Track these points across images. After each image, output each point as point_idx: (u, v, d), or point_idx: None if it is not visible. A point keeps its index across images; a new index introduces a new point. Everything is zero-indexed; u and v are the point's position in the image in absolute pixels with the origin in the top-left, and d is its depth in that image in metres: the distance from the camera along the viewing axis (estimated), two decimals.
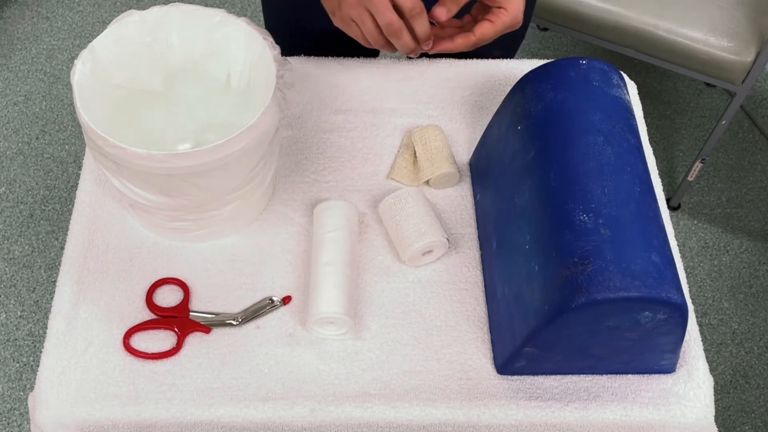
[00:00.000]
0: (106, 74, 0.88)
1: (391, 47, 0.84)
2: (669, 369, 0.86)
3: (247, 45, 0.90)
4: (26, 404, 1.63)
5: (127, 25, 0.88)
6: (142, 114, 0.95)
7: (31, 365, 1.68)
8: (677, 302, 0.74)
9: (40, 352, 1.03)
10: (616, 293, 0.72)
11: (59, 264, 0.95)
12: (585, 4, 1.66)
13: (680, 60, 1.67)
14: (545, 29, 2.28)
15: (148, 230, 0.94)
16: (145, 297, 0.89)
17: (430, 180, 0.98)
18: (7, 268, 1.80)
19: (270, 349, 0.86)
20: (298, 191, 0.98)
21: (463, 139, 1.04)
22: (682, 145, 2.11)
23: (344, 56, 1.10)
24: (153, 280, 0.90)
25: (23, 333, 1.72)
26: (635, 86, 1.09)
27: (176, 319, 0.87)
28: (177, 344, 0.86)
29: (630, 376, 0.86)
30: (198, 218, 0.89)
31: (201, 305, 0.89)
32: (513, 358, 0.83)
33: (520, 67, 1.10)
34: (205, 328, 0.87)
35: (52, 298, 0.98)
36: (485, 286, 0.91)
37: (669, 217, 0.96)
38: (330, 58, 1.10)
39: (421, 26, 0.81)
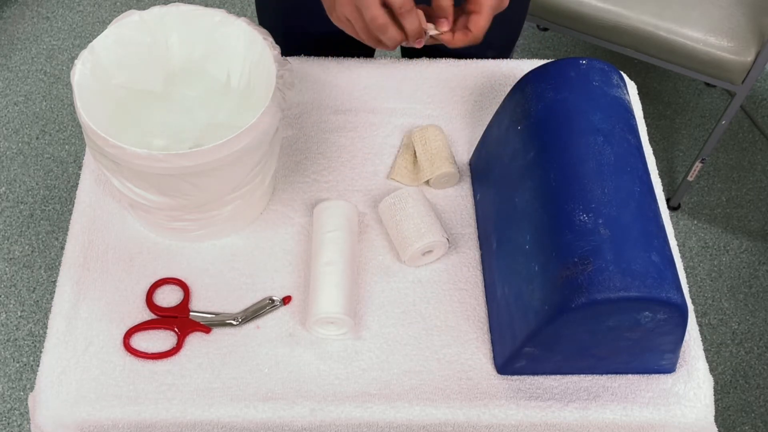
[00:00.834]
0: (106, 74, 0.88)
1: (385, 44, 0.84)
2: (669, 369, 0.86)
3: (247, 45, 0.90)
4: (26, 404, 1.63)
5: (127, 25, 0.88)
6: (142, 114, 0.95)
7: (31, 365, 1.68)
8: (677, 302, 0.74)
9: (40, 352, 1.03)
10: (616, 293, 0.72)
11: (59, 264, 0.95)
12: (585, 4, 1.66)
13: (680, 60, 1.67)
14: (545, 29, 2.28)
15: (148, 230, 0.94)
16: (145, 297, 0.89)
17: (430, 180, 0.98)
18: (7, 268, 1.80)
19: (270, 349, 0.86)
20: (298, 191, 0.98)
21: (463, 139, 1.04)
22: (682, 145, 2.11)
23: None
24: (153, 280, 0.90)
25: (23, 333, 1.72)
26: (635, 86, 1.09)
27: (176, 319, 0.87)
28: (177, 344, 0.86)
29: (630, 376, 0.86)
30: (198, 218, 0.89)
31: (201, 305, 0.89)
32: (513, 358, 0.83)
33: (520, 67, 1.10)
34: (205, 328, 0.87)
35: (52, 298, 0.98)
36: (485, 286, 0.91)
37: (669, 217, 0.96)
38: (330, 58, 1.10)
39: (411, 23, 0.82)
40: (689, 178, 1.90)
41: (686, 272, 1.80)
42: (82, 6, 2.31)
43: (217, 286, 0.90)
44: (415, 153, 1.00)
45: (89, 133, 0.80)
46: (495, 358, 0.86)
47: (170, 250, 0.93)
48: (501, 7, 0.84)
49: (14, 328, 1.73)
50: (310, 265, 0.90)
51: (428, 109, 1.06)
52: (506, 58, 1.16)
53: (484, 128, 1.00)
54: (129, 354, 0.85)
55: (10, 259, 1.82)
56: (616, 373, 0.86)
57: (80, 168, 1.00)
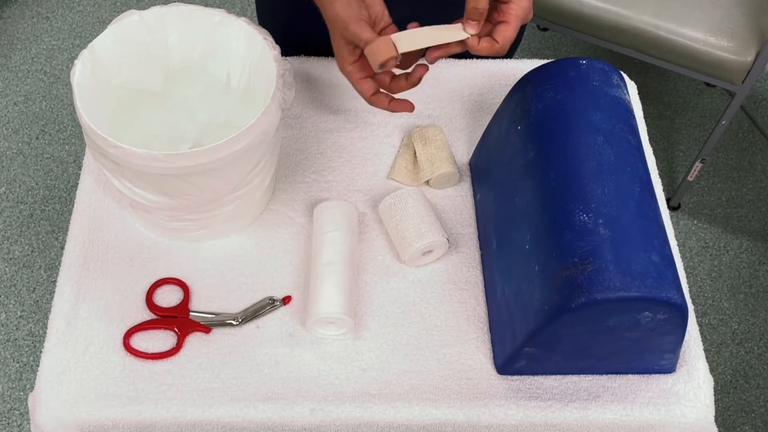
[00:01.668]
0: (106, 74, 0.88)
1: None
2: (669, 369, 0.86)
3: (247, 45, 0.90)
4: (26, 404, 1.63)
5: (127, 25, 0.88)
6: (142, 114, 0.95)
7: (31, 365, 1.68)
8: (677, 302, 0.74)
9: (40, 352, 1.03)
10: (616, 293, 0.72)
11: (59, 264, 0.95)
12: (585, 4, 1.66)
13: (680, 60, 1.67)
14: (545, 29, 2.28)
15: (148, 230, 0.94)
16: (145, 297, 0.89)
17: (430, 180, 0.98)
18: (7, 268, 1.80)
19: (270, 349, 0.86)
20: (298, 191, 0.98)
21: (463, 139, 1.04)
22: (682, 145, 2.11)
23: None
24: (153, 280, 0.90)
25: (23, 333, 1.72)
26: (635, 86, 1.09)
27: (176, 319, 0.87)
28: (177, 344, 0.86)
29: (630, 376, 0.86)
30: (198, 218, 0.89)
31: (201, 305, 0.89)
32: (513, 358, 0.83)
33: (520, 67, 1.10)
34: (205, 328, 0.87)
35: (52, 298, 0.98)
36: (485, 286, 0.91)
37: (669, 217, 0.96)
38: (330, 58, 1.10)
39: (381, 104, 0.86)
40: (689, 178, 1.90)
41: (686, 272, 1.80)
42: (82, 6, 2.31)
43: (217, 286, 0.90)
44: (415, 153, 1.00)
45: (89, 133, 0.80)
46: (495, 358, 0.86)
47: (170, 250, 0.93)
48: (527, 19, 0.83)
49: (14, 328, 1.73)
50: (310, 265, 0.90)
51: (428, 109, 1.06)
52: (510, 58, 1.16)
53: (484, 128, 1.00)
54: (129, 354, 0.85)
55: (10, 259, 1.82)
56: (616, 373, 0.86)
57: (80, 168, 1.00)
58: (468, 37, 0.81)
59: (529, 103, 0.87)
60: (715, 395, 0.87)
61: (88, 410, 0.82)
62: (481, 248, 0.94)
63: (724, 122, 1.74)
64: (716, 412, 0.87)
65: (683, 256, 1.91)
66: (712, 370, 1.72)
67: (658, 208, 0.80)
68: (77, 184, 1.27)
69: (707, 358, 1.15)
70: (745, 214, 2.00)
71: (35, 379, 0.98)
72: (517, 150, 0.87)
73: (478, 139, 1.01)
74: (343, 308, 0.85)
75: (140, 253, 0.92)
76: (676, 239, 1.29)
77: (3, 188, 1.93)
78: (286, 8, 1.12)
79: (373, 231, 0.95)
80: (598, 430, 0.85)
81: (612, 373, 0.86)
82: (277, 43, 0.88)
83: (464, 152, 1.03)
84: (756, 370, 1.77)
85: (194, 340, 0.87)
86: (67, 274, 0.90)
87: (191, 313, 0.88)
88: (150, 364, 0.85)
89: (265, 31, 0.89)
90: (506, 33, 0.80)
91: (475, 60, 1.11)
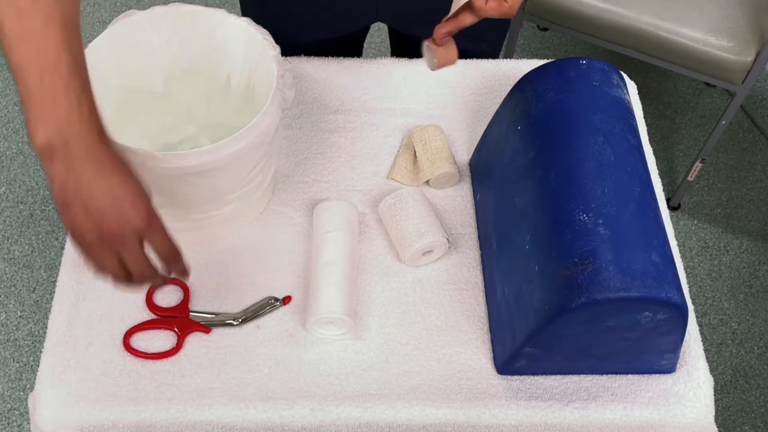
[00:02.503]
0: (106, 74, 0.88)
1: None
2: (669, 369, 0.86)
3: (247, 45, 0.90)
4: (26, 404, 1.63)
5: (127, 25, 0.88)
6: (142, 114, 0.95)
7: (31, 365, 1.68)
8: (677, 302, 0.74)
9: (40, 352, 1.03)
10: (616, 293, 0.72)
11: (59, 264, 0.95)
12: (585, 4, 1.66)
13: (680, 60, 1.67)
14: (545, 29, 2.28)
15: None
16: (145, 297, 0.89)
17: (430, 180, 0.98)
18: (7, 268, 1.80)
19: (270, 349, 0.86)
20: (298, 191, 0.98)
21: (463, 139, 1.04)
22: (682, 145, 2.11)
23: None
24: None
25: (23, 333, 1.72)
26: (635, 86, 1.09)
27: (176, 319, 0.87)
28: (177, 344, 0.86)
29: (630, 376, 0.86)
30: (198, 218, 0.89)
31: (201, 305, 0.89)
32: (513, 358, 0.83)
33: (520, 67, 1.10)
34: (205, 328, 0.87)
35: (52, 298, 0.98)
36: (485, 286, 0.91)
37: (669, 217, 0.96)
38: (330, 58, 1.10)
39: (178, 267, 0.74)
40: (689, 178, 1.90)
41: (686, 272, 1.80)
42: (82, 6, 2.30)
43: (217, 286, 0.90)
44: (415, 153, 1.00)
45: None
46: (495, 358, 0.86)
47: None
48: (508, 15, 0.80)
49: (14, 328, 1.73)
50: (310, 265, 0.90)
51: (428, 109, 1.06)
52: (499, 49, 1.15)
53: (484, 128, 1.00)
54: (129, 354, 0.85)
55: (10, 259, 1.82)
56: (616, 373, 0.86)
57: None
58: None
59: (529, 103, 0.87)
60: (715, 395, 0.87)
61: (88, 410, 0.82)
62: (481, 248, 0.94)
63: (724, 122, 1.74)
64: (716, 412, 0.87)
65: (683, 256, 1.91)
66: (712, 370, 1.72)
67: (658, 208, 0.80)
68: None
69: (707, 358, 1.15)
70: (745, 214, 2.00)
71: (35, 379, 0.98)
72: (517, 150, 0.87)
73: (478, 139, 1.01)
74: (343, 308, 0.85)
75: None
76: (676, 239, 1.29)
77: (3, 188, 1.93)
78: (272, 18, 1.11)
79: (373, 231, 0.95)
80: (598, 430, 0.85)
81: (612, 373, 0.86)
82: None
83: (464, 152, 1.03)
84: (756, 370, 1.77)
85: (194, 340, 0.87)
86: (67, 274, 0.90)
87: (191, 313, 0.88)
88: (150, 364, 0.85)
89: (265, 31, 0.89)
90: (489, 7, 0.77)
91: (475, 60, 1.11)
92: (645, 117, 1.08)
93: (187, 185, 0.82)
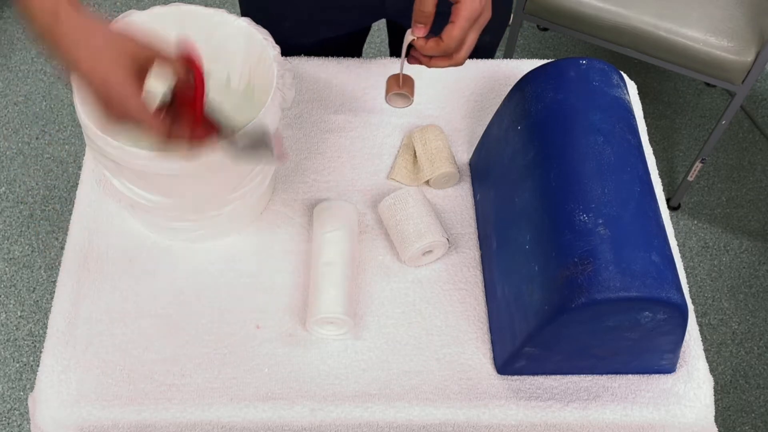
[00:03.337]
0: None
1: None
2: (669, 369, 0.86)
3: (247, 45, 0.90)
4: (26, 404, 1.63)
5: (127, 25, 0.88)
6: None
7: (31, 365, 1.68)
8: (677, 302, 0.74)
9: (40, 352, 1.03)
10: (616, 293, 0.72)
11: (59, 264, 0.95)
12: (585, 4, 1.66)
13: (680, 60, 1.67)
14: (545, 29, 2.28)
15: (148, 230, 0.94)
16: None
17: (430, 180, 0.98)
18: (7, 268, 1.80)
19: (270, 349, 0.86)
20: (298, 191, 0.98)
21: (463, 139, 1.04)
22: (682, 145, 2.11)
23: None
24: (153, 280, 0.90)
25: (23, 333, 1.72)
26: (635, 86, 1.09)
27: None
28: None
29: (630, 376, 0.86)
30: (198, 218, 0.89)
31: (201, 305, 0.89)
32: (513, 358, 0.83)
33: (520, 67, 1.10)
34: (214, 126, 0.75)
35: (52, 298, 0.98)
36: (485, 286, 0.91)
37: (669, 217, 0.96)
38: (330, 58, 1.10)
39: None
40: (689, 178, 1.90)
41: (686, 272, 1.80)
42: None
43: (217, 286, 0.90)
44: (415, 153, 1.00)
45: (89, 133, 0.80)
46: (495, 358, 0.86)
47: (170, 250, 0.93)
48: (481, 20, 0.81)
49: (14, 328, 1.73)
50: (310, 265, 0.90)
51: (428, 109, 1.06)
52: (499, 40, 1.14)
53: (484, 128, 1.00)
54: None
55: (10, 259, 1.82)
56: (616, 373, 0.86)
57: (80, 168, 1.00)
58: (416, 39, 0.81)
59: (529, 103, 0.87)
60: (715, 395, 0.87)
61: (88, 410, 0.82)
62: (481, 248, 0.94)
63: (724, 122, 1.74)
64: (716, 412, 0.87)
65: (683, 256, 1.91)
66: (712, 370, 1.72)
67: (658, 208, 0.80)
68: (77, 184, 1.27)
69: (707, 358, 1.15)
70: (745, 214, 2.00)
71: (35, 379, 0.98)
72: (517, 150, 0.87)
73: (478, 139, 1.01)
74: (343, 308, 0.85)
75: (140, 253, 0.92)
76: (676, 239, 1.29)
77: (3, 188, 1.93)
78: (272, 19, 1.11)
79: (373, 231, 0.95)
80: (598, 430, 0.85)
81: (612, 373, 0.86)
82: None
83: (464, 152, 1.03)
84: (756, 370, 1.77)
85: (195, 339, 0.86)
86: (67, 274, 0.90)
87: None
88: (150, 365, 0.85)
89: (265, 31, 0.89)
90: (452, 32, 0.79)
91: (475, 60, 1.11)
92: (645, 117, 1.08)
93: (187, 185, 0.82)
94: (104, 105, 0.69)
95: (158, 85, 0.70)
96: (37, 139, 2.02)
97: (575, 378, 0.86)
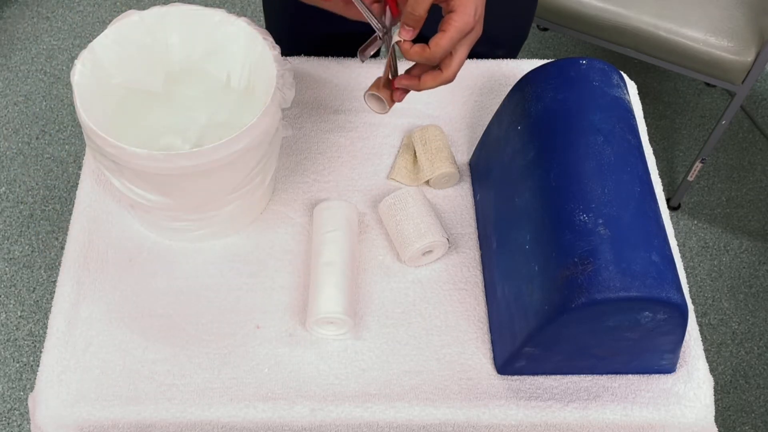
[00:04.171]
0: (106, 74, 0.88)
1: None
2: (669, 369, 0.86)
3: (247, 45, 0.90)
4: (26, 404, 1.63)
5: (127, 25, 0.88)
6: (142, 114, 0.95)
7: (31, 365, 1.68)
8: (677, 302, 0.74)
9: (40, 352, 1.03)
10: (616, 293, 0.72)
11: (59, 264, 0.95)
12: (585, 4, 1.66)
13: (680, 60, 1.67)
14: (545, 29, 2.28)
15: (148, 230, 0.94)
16: None
17: (430, 180, 0.98)
18: (7, 268, 1.80)
19: (270, 349, 0.86)
20: (298, 191, 0.98)
21: (463, 139, 1.04)
22: (682, 145, 2.11)
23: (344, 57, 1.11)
24: (153, 280, 0.90)
25: (23, 333, 1.72)
26: (635, 86, 1.09)
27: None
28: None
29: (630, 376, 0.86)
30: (198, 218, 0.89)
31: (201, 305, 0.89)
32: (513, 358, 0.83)
33: (520, 67, 1.10)
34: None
35: (52, 298, 0.98)
36: (485, 286, 0.91)
37: (669, 217, 0.96)
38: (330, 58, 1.10)
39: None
40: (689, 178, 1.90)
41: (686, 272, 1.80)
42: (82, 6, 2.31)
43: (217, 286, 0.90)
44: (415, 153, 1.00)
45: (89, 133, 0.80)
46: (495, 358, 0.86)
47: (170, 250, 0.93)
48: (472, 35, 0.79)
49: (14, 328, 1.73)
50: (310, 265, 0.90)
51: (428, 109, 1.06)
52: (514, 57, 1.15)
53: (484, 128, 1.00)
54: None
55: (10, 259, 1.82)
56: (616, 373, 0.86)
57: (80, 168, 1.00)
58: (402, 41, 0.79)
59: (529, 103, 0.87)
60: (715, 395, 0.87)
61: (88, 410, 0.82)
62: (481, 248, 0.94)
63: (724, 122, 1.74)
64: (716, 412, 0.87)
65: (683, 256, 1.91)
66: (712, 370, 1.72)
67: (658, 208, 0.80)
68: (77, 184, 1.27)
69: (707, 358, 1.15)
70: (745, 214, 2.00)
71: (35, 379, 0.98)
72: (517, 150, 0.87)
73: (478, 139, 1.01)
74: (343, 308, 0.85)
75: (140, 253, 0.92)
76: (676, 239, 1.29)
77: (3, 188, 1.93)
78: (293, 7, 1.11)
79: (373, 231, 0.95)
80: (598, 430, 0.85)
81: (612, 373, 0.86)
82: (282, 43, 0.88)
83: (464, 152, 1.03)
84: (756, 370, 1.77)
85: (194, 339, 0.86)
86: (67, 274, 0.90)
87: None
88: (150, 365, 0.85)
89: (265, 31, 0.89)
90: (440, 41, 0.76)
91: (475, 60, 1.11)
92: (645, 117, 1.08)
93: (187, 185, 0.82)
94: None
95: None
96: (37, 139, 2.02)
97: (575, 378, 0.86)
